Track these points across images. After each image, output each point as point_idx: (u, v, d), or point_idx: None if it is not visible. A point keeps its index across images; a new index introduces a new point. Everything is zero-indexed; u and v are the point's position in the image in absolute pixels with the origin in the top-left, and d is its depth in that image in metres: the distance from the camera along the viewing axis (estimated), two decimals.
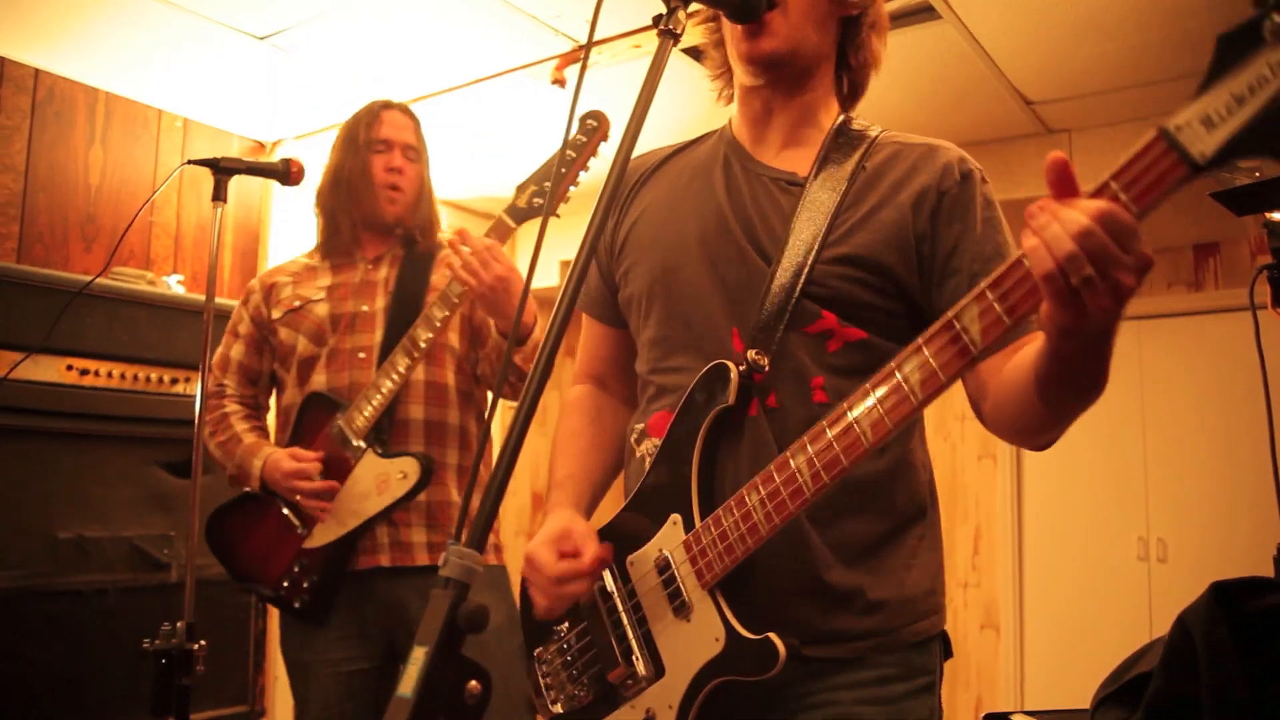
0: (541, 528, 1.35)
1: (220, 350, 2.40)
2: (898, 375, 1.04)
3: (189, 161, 2.25)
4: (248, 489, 2.31)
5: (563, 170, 1.98)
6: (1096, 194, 0.86)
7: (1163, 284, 4.54)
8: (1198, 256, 4.52)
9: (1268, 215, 2.10)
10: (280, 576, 2.23)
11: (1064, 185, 0.88)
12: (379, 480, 2.16)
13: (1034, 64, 3.32)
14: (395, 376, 2.17)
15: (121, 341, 2.99)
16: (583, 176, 2.03)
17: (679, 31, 1.12)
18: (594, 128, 2.01)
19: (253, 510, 2.32)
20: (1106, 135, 3.82)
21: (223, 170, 2.20)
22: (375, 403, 2.17)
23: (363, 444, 2.18)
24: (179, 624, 1.97)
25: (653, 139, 1.51)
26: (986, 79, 3.40)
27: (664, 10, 1.12)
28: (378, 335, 2.26)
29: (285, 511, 2.26)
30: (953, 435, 4.84)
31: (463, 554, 0.78)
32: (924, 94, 3.55)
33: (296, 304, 2.31)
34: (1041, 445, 1.19)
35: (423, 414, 2.26)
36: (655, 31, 1.12)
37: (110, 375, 2.94)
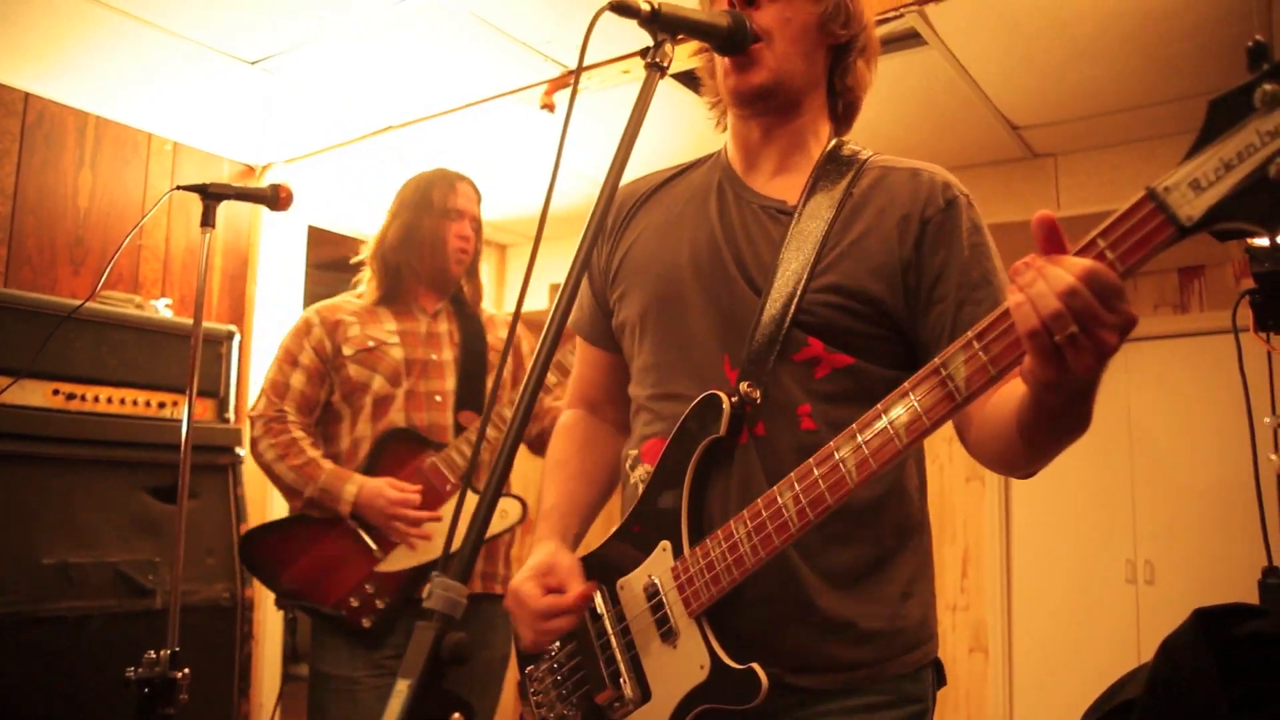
0: (528, 561, 1.36)
1: (275, 376, 2.49)
2: (884, 418, 1.06)
3: (178, 187, 2.25)
4: (313, 512, 2.40)
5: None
6: (1083, 251, 0.87)
7: (1149, 306, 4.57)
8: (1183, 279, 4.55)
9: (1249, 241, 2.13)
10: (347, 596, 2.35)
11: (1051, 242, 0.89)
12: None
13: (1019, 89, 3.35)
14: (502, 426, 2.41)
15: (109, 366, 2.98)
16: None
17: (665, 65, 1.14)
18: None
19: (306, 530, 2.43)
20: (1092, 159, 3.85)
21: (211, 196, 2.20)
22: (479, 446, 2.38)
23: (459, 481, 2.42)
24: (163, 652, 1.95)
25: (644, 165, 1.52)
26: (973, 104, 3.43)
27: (651, 43, 1.14)
28: (450, 383, 2.51)
29: (362, 535, 2.39)
30: (940, 457, 4.85)
31: (447, 586, 0.78)
32: (912, 119, 3.58)
33: (370, 344, 2.48)
34: (1025, 476, 1.20)
35: (490, 459, 2.49)
36: (643, 65, 1.13)
37: (97, 400, 2.93)
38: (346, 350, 2.46)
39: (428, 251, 2.54)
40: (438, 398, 2.48)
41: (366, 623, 2.33)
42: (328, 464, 2.40)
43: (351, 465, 2.44)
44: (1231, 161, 0.79)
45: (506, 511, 2.42)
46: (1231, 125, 0.79)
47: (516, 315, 1.13)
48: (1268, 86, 0.76)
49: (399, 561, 2.36)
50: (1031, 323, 0.86)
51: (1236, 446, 2.46)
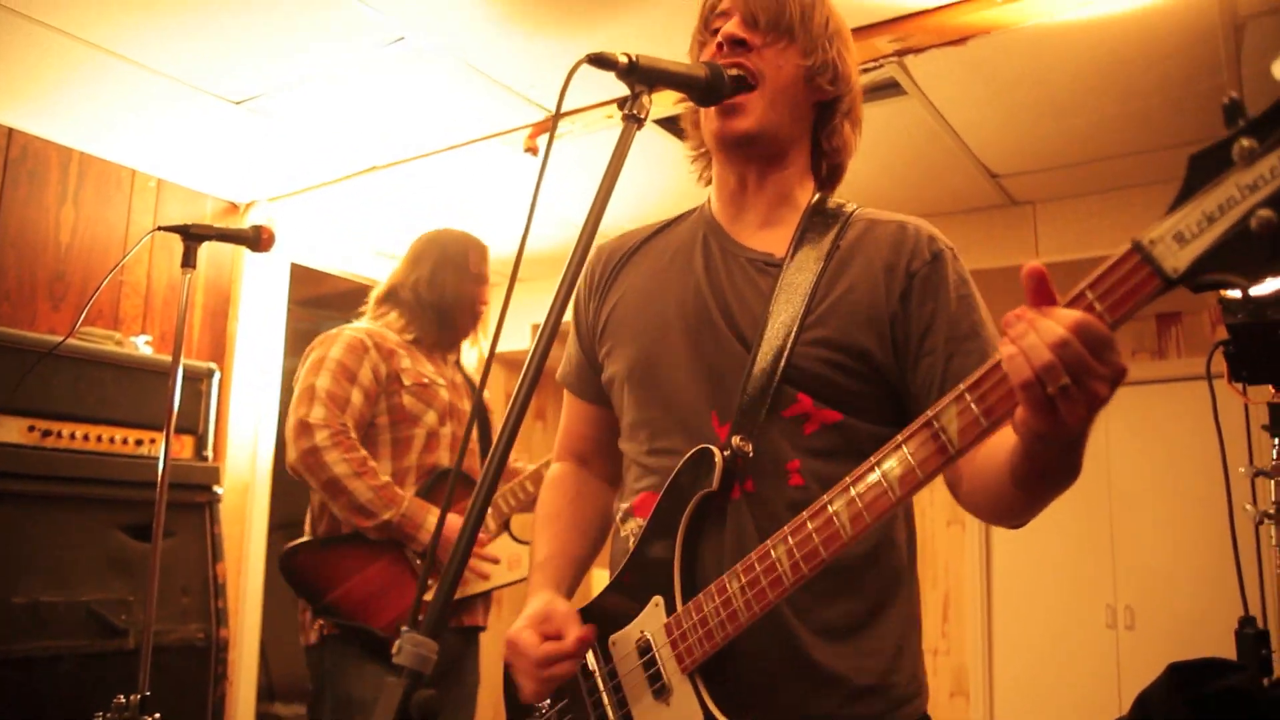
0: (523, 611, 1.35)
1: (332, 389, 2.45)
2: (877, 471, 1.05)
3: (160, 228, 2.24)
4: (375, 534, 2.42)
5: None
6: (1072, 303, 0.88)
7: (1127, 352, 4.59)
8: (1160, 325, 4.59)
9: (1222, 292, 2.15)
10: (397, 620, 2.41)
11: (1041, 294, 0.89)
12: (512, 559, 2.64)
13: (998, 139, 3.40)
14: (533, 490, 2.61)
15: (87, 402, 2.95)
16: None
17: (643, 116, 1.14)
18: None
19: (357, 551, 2.45)
20: (1069, 206, 3.91)
21: (193, 237, 2.19)
22: (520, 499, 2.62)
23: (496, 527, 2.65)
24: (132, 697, 1.92)
25: (627, 209, 1.53)
26: (953, 153, 3.48)
27: (629, 94, 1.15)
28: (473, 433, 2.75)
29: (419, 564, 2.48)
30: (921, 501, 4.85)
31: (417, 642, 0.78)
32: (893, 167, 3.62)
33: (425, 380, 2.58)
34: (1016, 526, 1.20)
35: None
36: (620, 116, 1.15)
37: (73, 436, 2.90)
38: (405, 380, 2.54)
39: (465, 309, 2.72)
40: (472, 445, 2.69)
41: None
42: (403, 490, 2.46)
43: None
44: (1213, 214, 0.80)
45: (519, 561, 2.61)
46: (1212, 179, 0.80)
47: (491, 352, 1.13)
48: (1245, 142, 0.78)
49: None
50: (1025, 374, 0.87)
51: (1215, 491, 2.48)
